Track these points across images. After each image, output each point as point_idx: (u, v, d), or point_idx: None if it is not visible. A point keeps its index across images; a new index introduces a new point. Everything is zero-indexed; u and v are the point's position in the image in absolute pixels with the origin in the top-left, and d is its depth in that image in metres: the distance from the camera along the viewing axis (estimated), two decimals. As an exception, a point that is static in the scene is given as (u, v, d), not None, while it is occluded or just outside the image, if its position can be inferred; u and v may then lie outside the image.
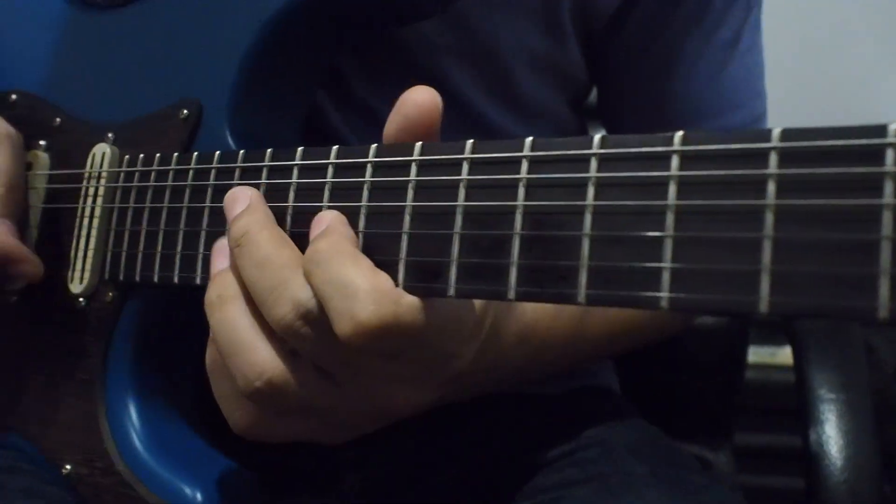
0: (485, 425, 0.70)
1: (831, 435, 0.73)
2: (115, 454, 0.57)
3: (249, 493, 0.56)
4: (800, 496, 0.74)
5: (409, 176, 0.44)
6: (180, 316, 0.60)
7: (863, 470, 0.71)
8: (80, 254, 0.61)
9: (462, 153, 0.43)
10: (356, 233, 0.45)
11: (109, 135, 0.63)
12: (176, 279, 0.54)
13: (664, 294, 0.36)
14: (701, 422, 0.97)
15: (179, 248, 0.54)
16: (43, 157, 0.67)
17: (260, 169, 0.50)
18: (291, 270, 0.44)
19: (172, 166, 0.56)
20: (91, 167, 0.62)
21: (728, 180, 0.35)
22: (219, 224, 0.52)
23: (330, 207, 0.47)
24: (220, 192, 0.52)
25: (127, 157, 0.60)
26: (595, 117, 0.83)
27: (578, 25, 0.70)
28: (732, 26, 0.71)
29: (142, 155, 0.59)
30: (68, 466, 0.59)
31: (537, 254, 0.40)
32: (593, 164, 0.39)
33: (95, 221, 0.60)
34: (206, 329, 0.48)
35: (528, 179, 0.40)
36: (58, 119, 0.68)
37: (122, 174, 0.60)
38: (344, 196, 0.47)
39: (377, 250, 0.44)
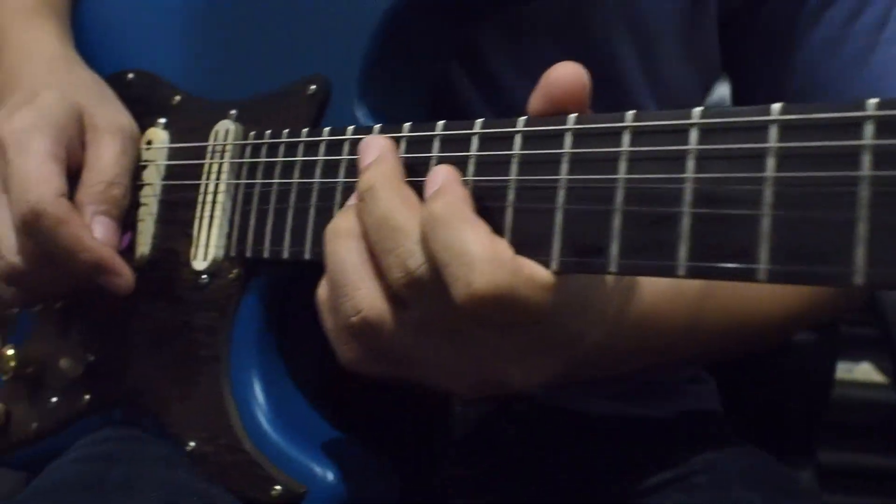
0: (591, 448, 0.69)
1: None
2: (241, 432, 0.56)
3: (377, 475, 0.55)
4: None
5: (562, 148, 0.43)
6: (304, 292, 0.59)
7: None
8: (204, 230, 0.61)
9: (622, 122, 0.41)
10: (503, 206, 0.44)
11: (232, 111, 0.62)
12: (307, 255, 0.53)
13: (859, 269, 0.33)
14: (786, 439, 0.95)
15: (311, 223, 0.53)
16: (162, 135, 0.67)
17: (398, 141, 0.49)
18: (405, 235, 0.43)
19: (303, 139, 0.55)
20: (214, 143, 0.62)
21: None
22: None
23: (476, 182, 0.45)
24: (353, 168, 0.51)
25: (252, 133, 0.59)
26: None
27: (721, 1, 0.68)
28: (877, 9, 0.66)
29: (268, 131, 0.58)
30: (192, 443, 0.59)
31: (710, 228, 0.38)
32: (772, 132, 0.37)
33: (220, 197, 0.60)
34: None
35: (699, 151, 0.39)
36: (177, 97, 0.67)
37: (248, 149, 0.59)
38: (490, 170, 0.45)
39: (528, 224, 0.43)
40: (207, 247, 0.60)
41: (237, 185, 0.59)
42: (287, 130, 0.57)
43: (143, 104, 0.69)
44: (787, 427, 0.95)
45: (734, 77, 0.75)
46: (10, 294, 0.63)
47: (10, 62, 0.68)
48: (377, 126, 0.51)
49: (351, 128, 0.53)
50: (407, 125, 0.49)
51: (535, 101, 0.44)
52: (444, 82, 0.61)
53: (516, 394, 0.49)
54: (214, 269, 0.60)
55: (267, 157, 0.57)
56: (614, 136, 0.41)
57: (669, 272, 0.38)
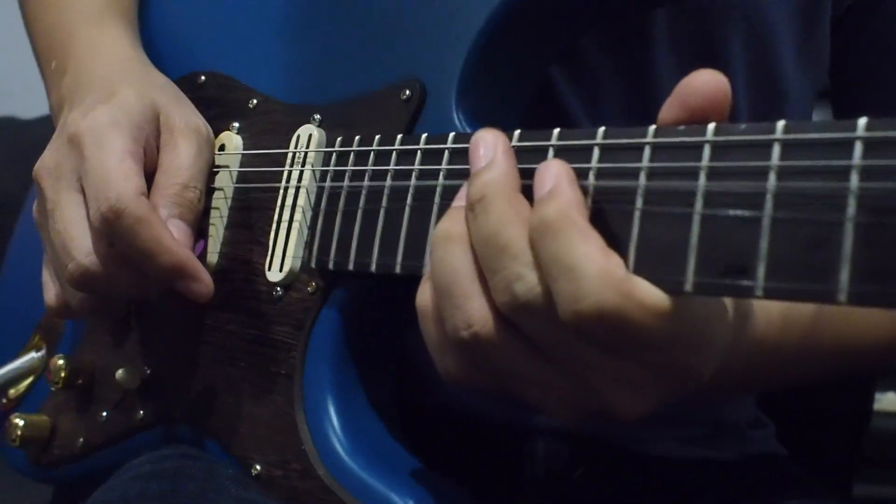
0: (659, 490, 0.66)
1: None
2: (315, 456, 0.53)
3: (459, 505, 0.51)
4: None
5: (700, 161, 0.39)
6: (384, 310, 0.56)
7: None
8: (281, 240, 0.57)
9: (772, 133, 0.37)
10: (633, 209, 0.40)
11: (316, 116, 0.59)
12: (398, 268, 0.50)
13: None
14: (821, 470, 0.91)
15: (403, 233, 0.50)
16: (236, 139, 0.64)
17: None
18: (512, 258, 0.41)
19: (398, 146, 0.52)
20: (297, 149, 0.59)
21: None
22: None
23: (596, 190, 0.42)
24: (454, 176, 0.48)
25: (339, 138, 0.56)
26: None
27: (834, 3, 0.66)
28: None
29: (358, 137, 0.55)
30: (258, 466, 0.55)
31: (878, 248, 0.34)
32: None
33: (300, 203, 0.57)
34: (409, 326, 0.46)
35: (862, 166, 0.35)
36: (254, 100, 0.64)
37: (333, 155, 0.56)
38: (613, 180, 0.42)
39: (657, 238, 0.39)
40: (284, 257, 0.57)
41: (321, 193, 0.56)
42: (378, 136, 0.54)
43: (216, 107, 0.66)
44: (828, 461, 0.92)
45: (836, 85, 0.72)
46: (78, 301, 0.59)
47: (81, 64, 0.66)
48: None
49: (452, 134, 0.49)
50: (516, 133, 0.46)
51: (670, 109, 0.41)
52: (542, 86, 0.58)
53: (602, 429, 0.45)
54: (290, 281, 0.57)
55: (355, 164, 0.54)
56: (764, 147, 0.38)
57: (829, 298, 0.35)
